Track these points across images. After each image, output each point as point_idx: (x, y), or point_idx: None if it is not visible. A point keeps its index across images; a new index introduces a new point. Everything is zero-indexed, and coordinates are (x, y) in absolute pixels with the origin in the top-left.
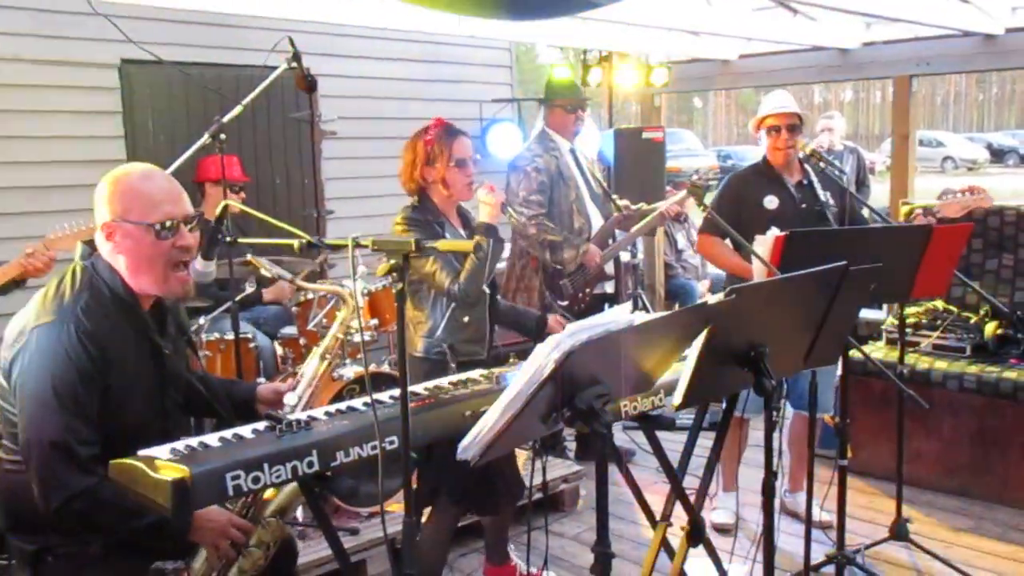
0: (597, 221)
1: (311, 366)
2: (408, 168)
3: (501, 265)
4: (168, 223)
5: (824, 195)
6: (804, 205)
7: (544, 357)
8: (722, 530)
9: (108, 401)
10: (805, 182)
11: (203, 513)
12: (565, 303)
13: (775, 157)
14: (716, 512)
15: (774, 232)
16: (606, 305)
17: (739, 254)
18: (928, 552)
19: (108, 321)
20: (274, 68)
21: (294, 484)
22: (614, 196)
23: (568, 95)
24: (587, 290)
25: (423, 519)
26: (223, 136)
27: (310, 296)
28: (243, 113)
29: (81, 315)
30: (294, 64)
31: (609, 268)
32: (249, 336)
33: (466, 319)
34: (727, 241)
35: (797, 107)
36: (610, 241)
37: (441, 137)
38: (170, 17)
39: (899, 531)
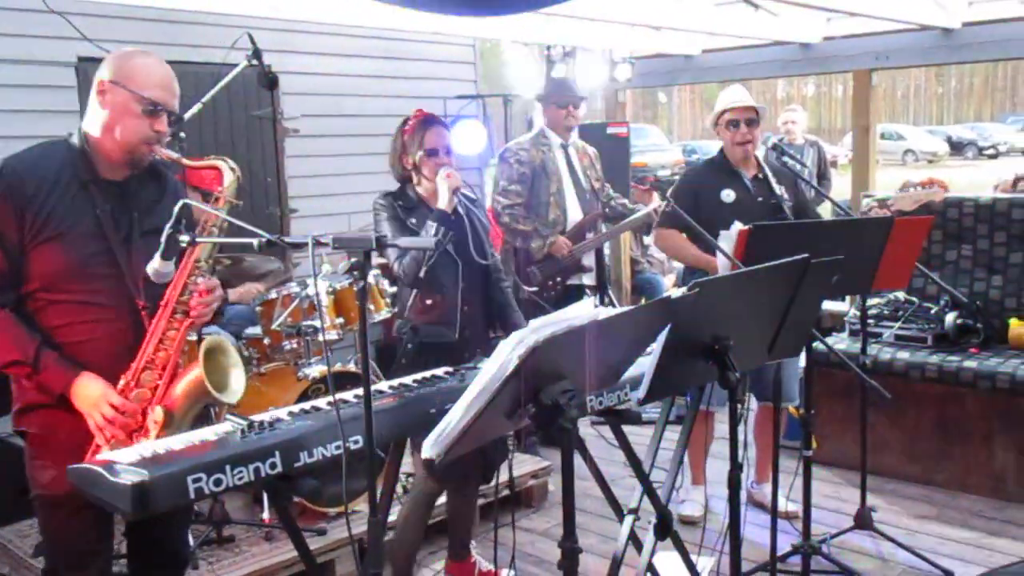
0: (574, 214)
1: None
2: (392, 157)
3: None
4: (157, 105)
5: (779, 189)
6: (760, 199)
7: (508, 353)
8: (689, 523)
9: (31, 231)
10: (760, 176)
11: (80, 381)
12: (533, 289)
13: (734, 151)
14: (684, 505)
15: (738, 226)
16: (586, 294)
17: (699, 247)
18: (892, 540)
19: (42, 161)
20: (234, 65)
21: (197, 372)
22: (615, 195)
23: (558, 91)
24: (558, 279)
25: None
26: (183, 135)
27: (273, 296)
28: (203, 111)
29: (12, 157)
30: (254, 61)
31: (589, 260)
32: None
33: (429, 301)
34: (684, 235)
35: (753, 101)
36: (589, 235)
37: (417, 127)
38: (127, 14)
39: (864, 520)
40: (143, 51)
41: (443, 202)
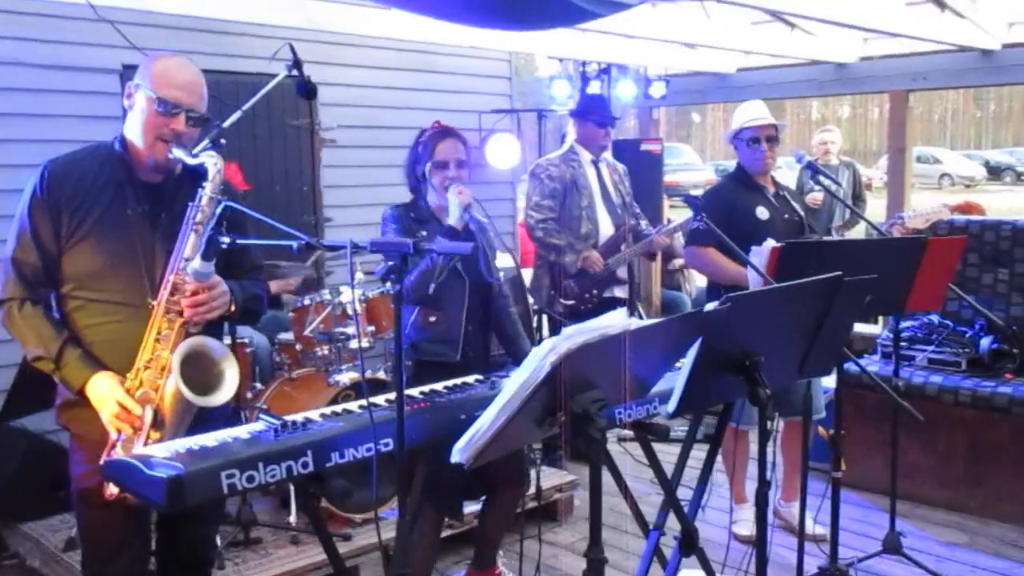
0: (606, 228)
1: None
2: (406, 166)
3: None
4: (172, 105)
5: (797, 206)
6: (786, 215)
7: (540, 360)
8: (747, 543)
9: (68, 231)
10: (781, 193)
11: (94, 379)
12: (571, 302)
13: (755, 167)
14: (737, 525)
15: (770, 243)
16: (618, 306)
17: (735, 263)
18: (921, 566)
19: (84, 163)
20: (274, 75)
21: (173, 385)
22: (644, 222)
23: (599, 110)
24: (594, 292)
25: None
26: (223, 141)
27: (306, 302)
28: (243, 120)
29: (57, 158)
30: (294, 71)
31: (623, 272)
32: (245, 340)
33: (432, 319)
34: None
35: (772, 118)
36: (622, 247)
37: (431, 137)
38: (171, 23)
39: (892, 545)
40: (171, 54)
41: (452, 218)
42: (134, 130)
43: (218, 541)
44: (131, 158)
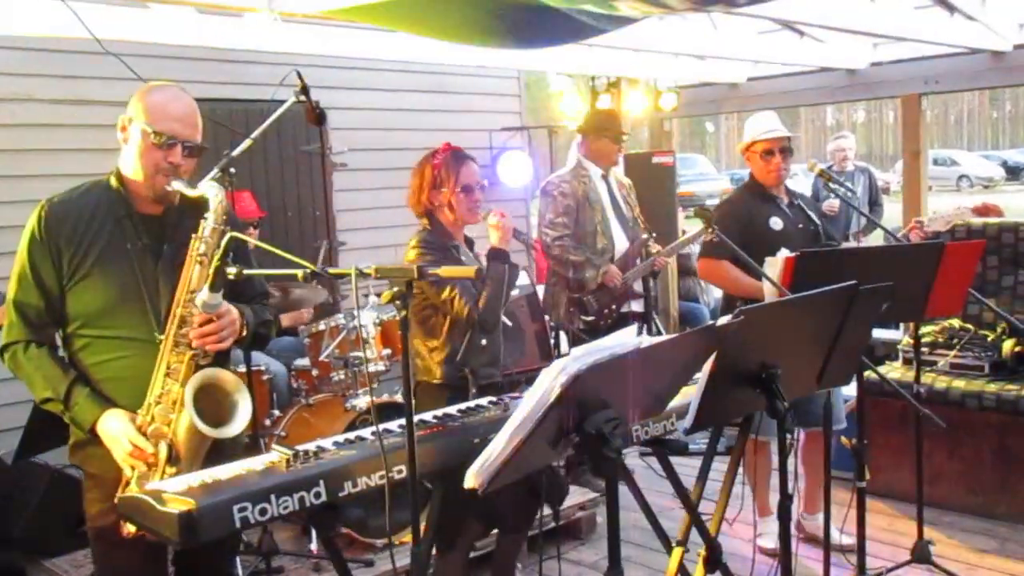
0: (621, 242)
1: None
2: (416, 192)
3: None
4: (167, 137)
5: (813, 215)
6: (800, 225)
7: (551, 381)
8: (772, 555)
9: (69, 270)
10: (796, 203)
11: (104, 417)
12: (591, 318)
13: (769, 179)
14: (763, 538)
15: (784, 253)
16: (631, 321)
17: (750, 275)
18: (952, 575)
19: (82, 200)
20: (283, 102)
21: (187, 418)
22: (652, 238)
23: (614, 126)
24: (612, 307)
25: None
26: (233, 170)
27: (321, 327)
28: (254, 147)
29: (54, 197)
30: (302, 98)
31: (639, 286)
32: (262, 368)
33: (484, 342)
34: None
35: (785, 129)
36: (637, 262)
37: (449, 162)
38: (178, 54)
39: (921, 553)
40: (163, 85)
41: (501, 240)
42: (130, 164)
43: (240, 572)
44: (128, 192)
